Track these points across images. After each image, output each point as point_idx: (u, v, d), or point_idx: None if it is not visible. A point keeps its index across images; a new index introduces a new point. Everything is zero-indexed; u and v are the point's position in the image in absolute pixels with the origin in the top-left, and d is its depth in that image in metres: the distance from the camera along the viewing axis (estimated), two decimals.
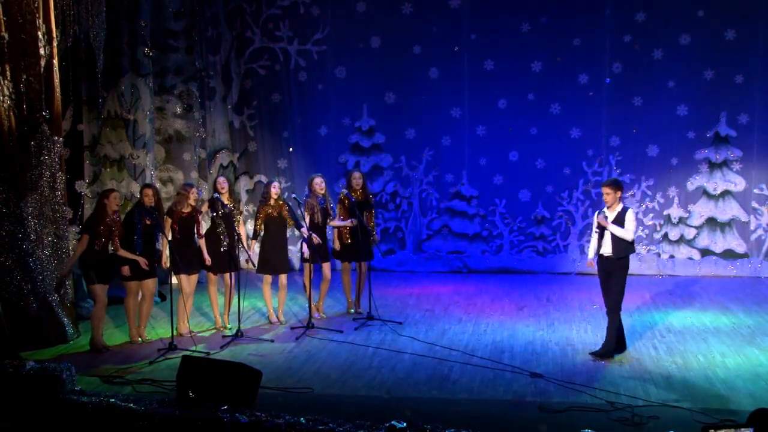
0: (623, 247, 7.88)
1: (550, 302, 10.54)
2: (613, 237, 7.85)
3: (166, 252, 8.67)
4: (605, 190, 7.97)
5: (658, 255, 12.43)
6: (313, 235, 9.27)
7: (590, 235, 12.44)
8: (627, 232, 7.85)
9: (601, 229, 7.99)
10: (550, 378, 7.30)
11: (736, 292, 11.08)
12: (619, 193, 7.96)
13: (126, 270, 8.41)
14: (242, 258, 10.49)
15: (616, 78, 12.29)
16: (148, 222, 8.48)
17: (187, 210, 8.82)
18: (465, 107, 12.69)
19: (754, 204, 12.21)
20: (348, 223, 9.55)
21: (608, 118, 12.39)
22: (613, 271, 7.92)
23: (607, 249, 7.92)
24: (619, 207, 7.95)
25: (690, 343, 8.45)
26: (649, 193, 12.38)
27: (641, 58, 12.20)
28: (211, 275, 9.23)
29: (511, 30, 12.43)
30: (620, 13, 12.20)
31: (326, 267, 9.63)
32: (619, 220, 7.87)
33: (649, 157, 12.36)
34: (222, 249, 9.02)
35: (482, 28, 12.54)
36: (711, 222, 12.35)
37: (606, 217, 7.92)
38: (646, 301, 10.52)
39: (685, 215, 12.39)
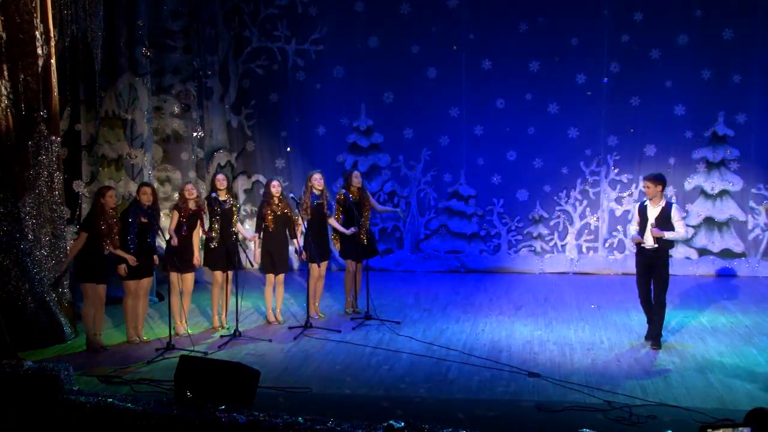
0: (666, 239, 8.13)
1: (548, 302, 10.55)
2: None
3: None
4: (646, 183, 8.17)
5: None
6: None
7: (589, 234, 12.57)
8: (680, 233, 8.12)
9: (644, 220, 8.13)
10: (548, 377, 7.31)
11: (733, 292, 11.09)
12: (659, 188, 8.14)
13: (122, 269, 8.40)
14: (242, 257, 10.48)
15: (614, 78, 12.30)
16: (143, 220, 8.47)
17: (193, 208, 8.83)
18: (463, 107, 12.69)
19: (752, 203, 12.23)
20: (347, 231, 9.51)
21: (606, 118, 12.40)
22: (658, 262, 8.11)
23: (649, 241, 8.09)
24: (662, 202, 8.15)
25: (688, 343, 8.46)
26: None
27: (639, 57, 12.20)
28: (217, 274, 9.19)
29: (509, 30, 12.44)
30: (618, 12, 12.21)
31: (317, 266, 9.55)
32: (664, 217, 8.06)
33: (647, 157, 12.36)
34: (212, 245, 9.03)
35: (480, 28, 12.54)
36: (708, 221, 12.36)
37: (654, 224, 8.04)
38: None
39: (683, 214, 12.39)
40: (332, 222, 9.65)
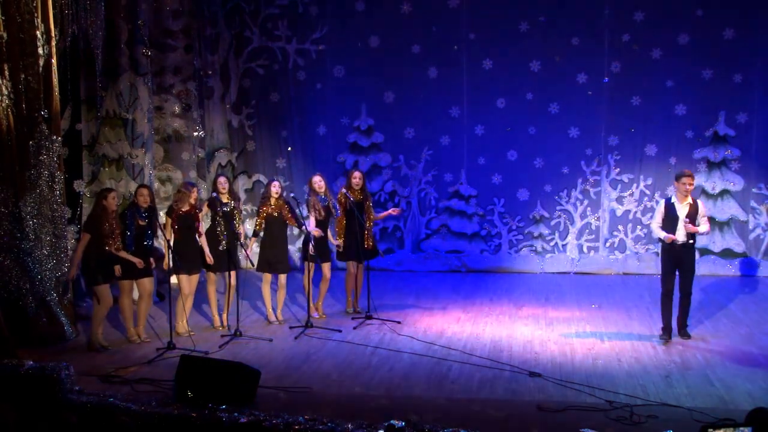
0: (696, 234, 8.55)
1: (549, 301, 10.54)
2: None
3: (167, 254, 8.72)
4: (690, 181, 8.48)
5: (657, 254, 12.39)
6: (317, 230, 9.29)
7: (589, 234, 12.56)
8: (708, 227, 8.55)
9: (672, 218, 8.42)
10: (549, 377, 7.31)
11: (734, 292, 11.09)
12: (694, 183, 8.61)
13: (118, 269, 8.39)
14: (241, 257, 10.48)
15: (615, 77, 12.28)
16: (141, 222, 8.48)
17: (186, 208, 8.81)
18: (464, 107, 12.68)
19: (753, 203, 12.22)
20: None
21: (607, 118, 12.39)
22: (689, 256, 8.48)
23: (681, 236, 8.38)
24: (689, 199, 8.49)
25: (689, 342, 8.45)
26: (648, 192, 12.38)
27: (640, 57, 12.18)
28: (211, 275, 9.23)
29: (510, 29, 12.42)
30: (619, 12, 12.19)
31: (326, 267, 9.63)
32: (692, 214, 8.40)
33: (648, 157, 12.36)
34: (220, 248, 9.03)
35: (481, 28, 12.53)
36: (709, 221, 12.30)
37: (687, 219, 8.36)
38: (645, 300, 10.51)
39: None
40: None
